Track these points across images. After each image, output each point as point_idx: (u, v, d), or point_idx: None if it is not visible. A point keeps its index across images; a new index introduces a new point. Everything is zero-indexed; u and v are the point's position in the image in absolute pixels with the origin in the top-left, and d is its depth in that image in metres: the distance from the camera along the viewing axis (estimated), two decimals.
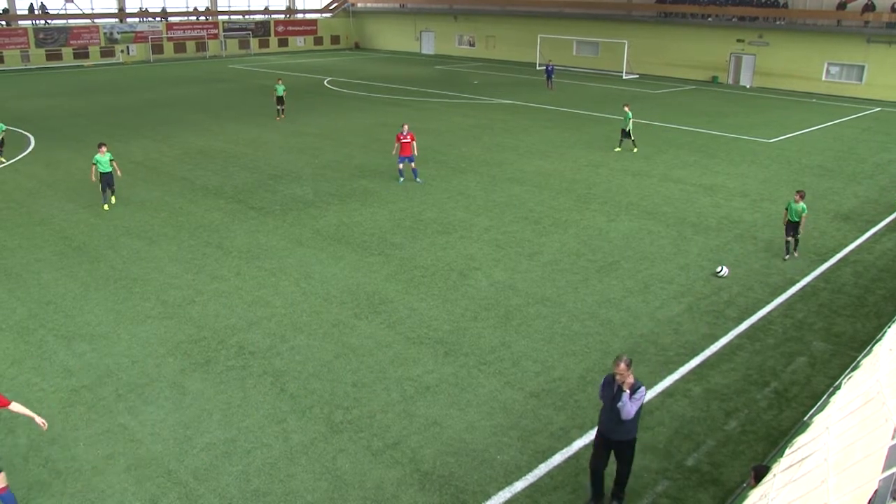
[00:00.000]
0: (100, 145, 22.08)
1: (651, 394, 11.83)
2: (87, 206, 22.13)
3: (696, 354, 13.19)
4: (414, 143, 24.37)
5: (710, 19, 56.60)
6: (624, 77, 56.84)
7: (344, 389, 11.98)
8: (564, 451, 10.44)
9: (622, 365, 8.75)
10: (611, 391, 8.99)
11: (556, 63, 55.01)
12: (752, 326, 14.40)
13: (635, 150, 29.59)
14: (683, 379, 12.38)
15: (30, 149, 30.74)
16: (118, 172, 22.24)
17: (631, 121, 29.41)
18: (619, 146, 29.81)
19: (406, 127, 24.30)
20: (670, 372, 12.55)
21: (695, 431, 10.94)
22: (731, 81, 55.51)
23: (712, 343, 13.64)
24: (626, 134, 29.42)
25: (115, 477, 9.92)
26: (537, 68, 60.53)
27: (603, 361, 12.82)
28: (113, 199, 22.39)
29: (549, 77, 50.40)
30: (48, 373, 12.57)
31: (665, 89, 50.86)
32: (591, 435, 10.69)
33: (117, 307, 15.14)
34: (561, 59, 61.41)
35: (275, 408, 11.48)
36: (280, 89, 37.67)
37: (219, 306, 15.10)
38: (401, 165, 24.65)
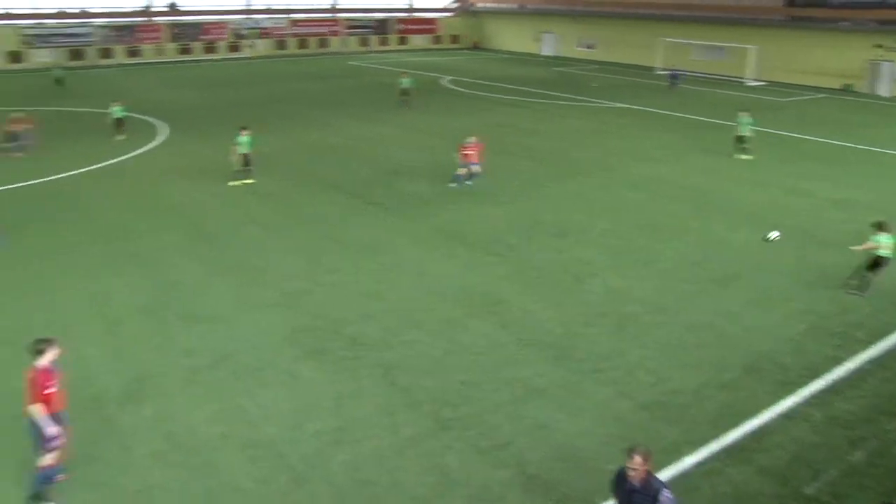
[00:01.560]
0: (242, 129, 24.37)
1: (769, 415, 11.36)
2: (214, 195, 23.10)
3: (819, 377, 12.56)
4: (477, 152, 24.17)
5: (844, 24, 53.88)
6: (749, 83, 54.82)
7: (454, 387, 12.04)
8: (674, 466, 10.14)
9: (637, 458, 7.26)
10: (625, 491, 7.43)
11: (677, 68, 53.66)
12: (883, 352, 13.59)
13: (747, 157, 28.67)
14: (805, 402, 11.81)
15: (161, 138, 32.30)
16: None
17: (749, 128, 28.58)
18: (744, 153, 28.85)
19: (473, 139, 24.25)
20: (790, 393, 12.01)
21: (815, 459, 10.42)
22: (867, 90, 52.72)
23: (837, 366, 12.95)
24: (740, 140, 28.71)
25: (230, 455, 10.29)
26: (657, 72, 59.21)
27: (719, 376, 12.42)
28: (249, 180, 24.08)
29: (673, 82, 49.32)
30: (171, 352, 13.16)
31: (793, 97, 48.78)
32: (704, 451, 10.40)
33: (238, 293, 15.72)
34: (682, 63, 59.77)
35: (385, 400, 11.65)
36: (405, 82, 40.69)
37: (334, 298, 15.45)
38: (462, 171, 24.14)
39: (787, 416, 11.40)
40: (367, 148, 30.23)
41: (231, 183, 24.19)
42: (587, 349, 13.35)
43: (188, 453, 10.32)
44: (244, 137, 24.31)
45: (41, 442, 9.05)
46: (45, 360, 9.19)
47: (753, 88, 52.76)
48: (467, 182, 24.10)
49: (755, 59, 55.84)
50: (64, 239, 19.04)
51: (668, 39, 61.75)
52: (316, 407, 11.45)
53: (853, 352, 13.50)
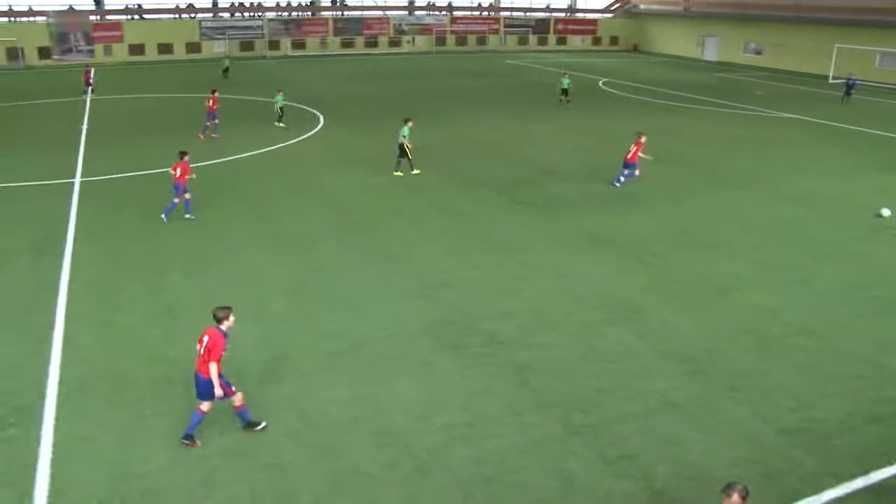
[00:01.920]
0: (406, 120, 25.28)
1: None
2: (365, 184, 23.93)
3: None
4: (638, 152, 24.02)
5: None
6: None
7: (586, 393, 11.92)
8: (812, 498, 9.59)
9: (735, 497, 6.74)
10: None
11: (858, 78, 50.38)
12: None
13: None
14: None
15: (320, 127, 33.68)
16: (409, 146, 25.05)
17: None
18: None
19: (644, 137, 24.05)
20: None
21: None
22: None
23: None
24: None
25: (360, 439, 10.62)
26: (830, 81, 55.86)
27: (871, 409, 11.61)
28: (415, 171, 25.27)
29: (848, 92, 46.37)
30: (312, 333, 13.76)
31: None
32: (846, 487, 9.79)
33: (379, 281, 16.22)
34: (861, 72, 56.07)
35: (515, 400, 11.68)
36: (565, 82, 41.36)
37: (474, 293, 15.63)
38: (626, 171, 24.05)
39: None
40: (520, 146, 30.34)
41: (414, 172, 25.40)
42: (726, 367, 12.85)
43: (319, 433, 10.74)
44: (405, 129, 24.99)
45: (204, 394, 10.24)
46: (225, 325, 10.33)
47: None
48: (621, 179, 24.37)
49: None
50: (223, 218, 20.33)
51: (845, 46, 58.04)
52: (446, 400, 11.63)
53: None
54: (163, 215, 20.01)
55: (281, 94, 34.34)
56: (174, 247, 18.15)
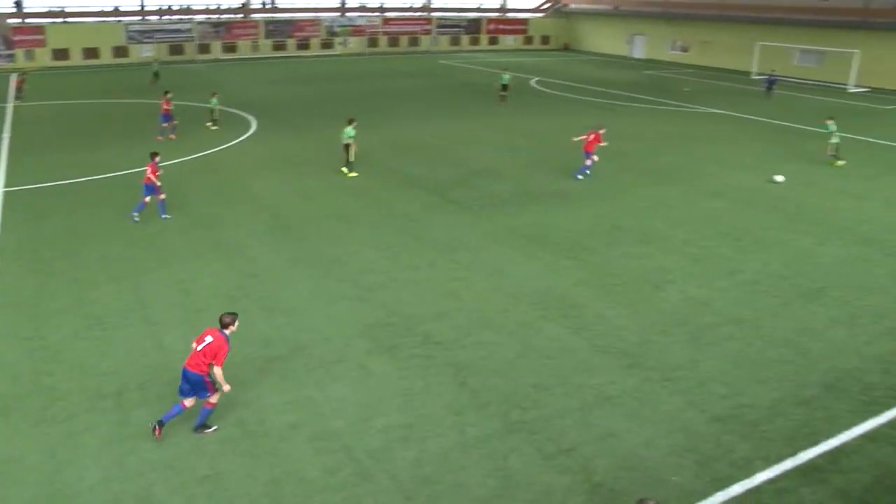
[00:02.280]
0: (349, 120, 25.68)
1: (849, 435, 10.97)
2: (298, 188, 23.72)
3: None
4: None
5: None
6: (850, 90, 52.64)
7: (524, 390, 12.04)
8: (745, 482, 9.91)
9: None
10: None
11: (776, 73, 52.01)
12: None
13: (841, 163, 28.18)
14: (890, 424, 11.33)
15: (251, 131, 33.27)
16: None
17: (835, 134, 28.11)
18: (837, 160, 28.04)
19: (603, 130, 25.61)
20: (874, 414, 11.54)
21: None
22: None
23: None
24: (832, 147, 28.72)
25: (298, 445, 10.55)
26: (753, 77, 57.47)
27: (797, 393, 12.05)
28: (353, 174, 25.49)
29: (770, 87, 48.48)
30: (249, 340, 13.54)
31: None
32: (777, 468, 10.12)
33: (315, 285, 16.11)
34: (780, 68, 57.87)
35: (454, 399, 11.73)
36: (505, 78, 43.10)
37: (410, 294, 15.64)
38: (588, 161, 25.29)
39: (870, 437, 10.98)
40: (453, 147, 30.45)
41: (351, 174, 25.65)
42: (660, 358, 13.15)
43: (257, 441, 10.63)
44: (347, 129, 25.32)
45: (203, 392, 10.68)
46: (229, 331, 10.78)
47: (855, 95, 50.65)
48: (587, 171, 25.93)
49: (858, 64, 53.51)
50: (155, 226, 19.89)
51: (765, 43, 59.83)
52: (385, 402, 11.62)
53: None
54: (133, 213, 20.35)
55: (215, 97, 34.61)
56: (104, 257, 17.68)
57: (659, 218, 21.18)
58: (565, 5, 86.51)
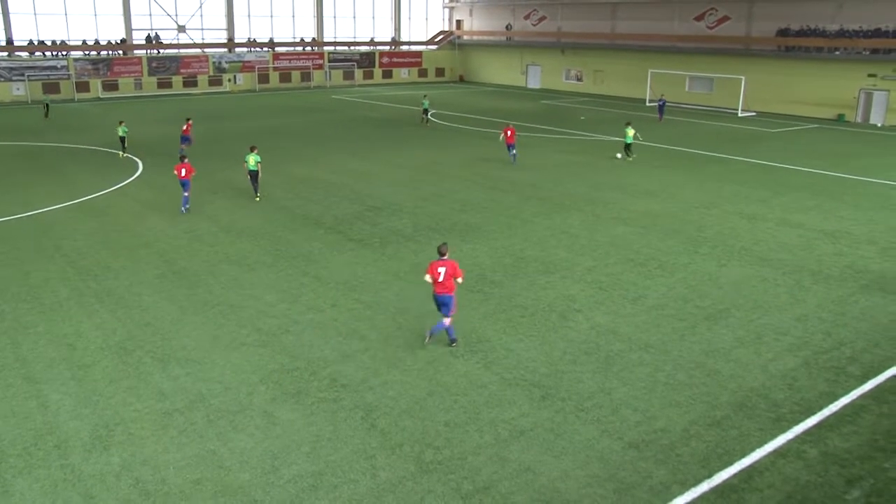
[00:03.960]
0: (251, 148, 26.60)
1: (761, 453, 11.02)
2: (189, 231, 22.76)
3: (813, 413, 12.22)
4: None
5: (837, 53, 54.10)
6: (740, 115, 54.98)
7: (436, 428, 11.66)
8: None
9: None
10: None
11: (667, 99, 53.92)
12: (878, 387, 13.23)
13: (630, 158, 35.07)
14: (798, 439, 11.46)
15: (138, 173, 32.06)
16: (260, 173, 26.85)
17: (632, 137, 34.93)
18: (625, 156, 35.13)
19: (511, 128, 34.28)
20: (783, 430, 11.66)
21: (809, 498, 10.05)
22: (859, 119, 52.87)
23: (832, 402, 12.60)
24: (627, 147, 35.34)
25: (202, 503, 9.86)
26: (648, 104, 59.43)
27: (709, 414, 12.07)
28: (258, 196, 26.89)
29: (660, 111, 51.02)
30: (143, 394, 12.75)
31: (785, 128, 48.96)
32: (694, 492, 10.05)
33: (213, 332, 15.33)
34: (673, 95, 60.07)
35: (364, 443, 11.26)
36: (426, 104, 48.38)
37: (313, 337, 15.07)
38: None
39: (780, 453, 11.07)
40: (350, 182, 30.02)
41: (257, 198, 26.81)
42: (571, 388, 12.99)
43: (157, 502, 9.89)
44: (249, 156, 26.39)
45: (449, 309, 14.17)
46: (448, 254, 14.30)
47: (744, 120, 52.92)
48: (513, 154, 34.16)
49: (747, 90, 56.02)
50: (32, 277, 18.65)
51: (657, 71, 62.02)
52: (293, 451, 11.07)
53: (848, 387, 13.17)
54: (182, 209, 24.93)
55: (123, 124, 36.48)
56: None
57: (562, 247, 21.25)
58: (459, 37, 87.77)
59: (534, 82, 78.68)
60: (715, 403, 12.45)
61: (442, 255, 14.17)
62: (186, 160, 25.20)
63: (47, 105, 52.62)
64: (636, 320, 15.99)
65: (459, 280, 14.24)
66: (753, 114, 55.77)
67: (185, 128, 37.49)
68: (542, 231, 22.76)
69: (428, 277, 14.13)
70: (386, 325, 15.74)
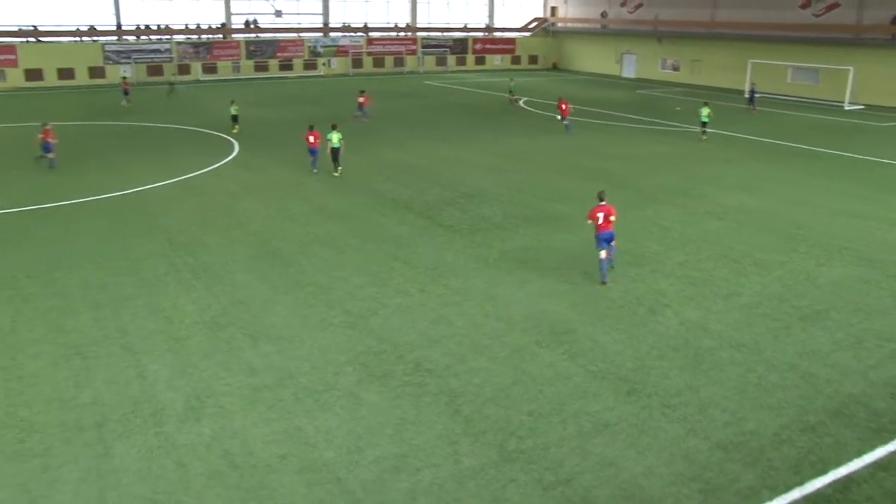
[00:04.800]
0: (333, 126, 28.63)
1: (859, 463, 10.56)
2: (283, 211, 23.31)
3: None
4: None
5: None
6: (846, 108, 52.60)
7: (519, 418, 11.64)
8: None
9: None
10: None
11: (770, 91, 52.03)
12: None
13: (705, 137, 37.41)
14: None
15: (233, 154, 32.96)
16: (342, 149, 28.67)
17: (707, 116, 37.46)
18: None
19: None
20: (884, 441, 11.13)
21: None
22: None
23: None
24: (703, 126, 37.68)
25: (288, 477, 10.13)
26: (745, 96, 57.61)
27: (802, 419, 11.66)
28: (339, 171, 28.50)
29: (752, 101, 49.75)
30: (234, 369, 13.16)
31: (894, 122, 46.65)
32: (784, 498, 9.74)
33: (303, 312, 15.67)
34: (774, 86, 57.95)
35: (448, 429, 11.33)
36: (512, 87, 53.80)
37: (401, 321, 15.24)
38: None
39: (881, 465, 10.57)
40: (441, 168, 30.17)
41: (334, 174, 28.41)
42: (658, 384, 12.76)
43: (245, 474, 10.21)
44: (333, 134, 28.27)
45: (612, 244, 17.38)
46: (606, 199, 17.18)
47: (850, 113, 50.62)
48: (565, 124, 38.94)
49: (853, 81, 53.52)
50: (133, 251, 19.46)
51: (758, 61, 59.91)
52: (377, 432, 11.22)
53: None
54: (314, 169, 28.70)
55: (234, 103, 39.18)
56: (83, 284, 17.19)
57: (653, 240, 20.85)
58: (553, 24, 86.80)
59: (629, 71, 77.18)
60: (809, 408, 12.01)
61: (601, 200, 17.07)
62: (316, 128, 28.96)
63: (172, 84, 56.88)
64: (728, 318, 15.56)
65: (613, 218, 17.03)
66: (861, 107, 53.19)
67: (361, 100, 44.15)
68: (632, 223, 22.35)
69: (590, 221, 17.19)
70: (473, 311, 15.76)
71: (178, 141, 35.84)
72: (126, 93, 50.82)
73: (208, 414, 11.69)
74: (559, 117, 39.67)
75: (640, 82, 71.07)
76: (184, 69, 68.00)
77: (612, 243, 17.45)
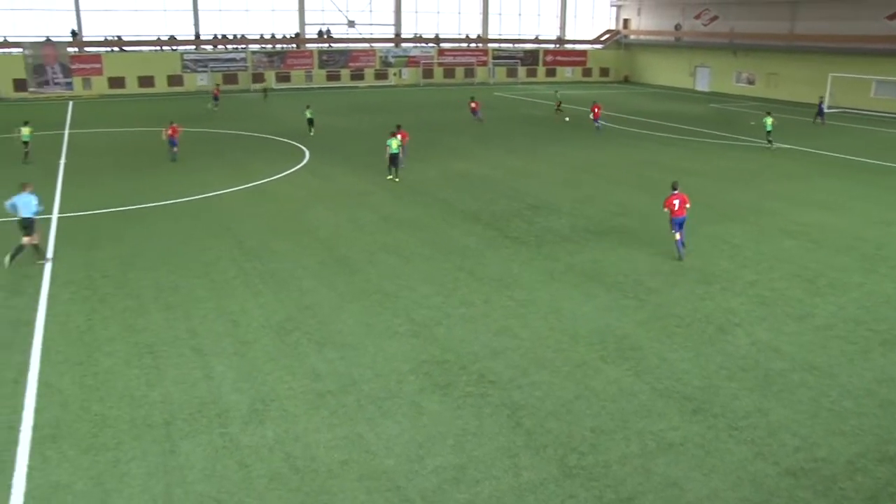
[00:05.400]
0: (392, 133, 29.43)
1: None
2: (351, 219, 23.57)
3: None
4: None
5: None
6: None
7: (581, 433, 11.49)
8: None
9: None
10: None
11: (852, 106, 50.44)
12: None
13: (771, 147, 38.21)
14: None
15: (304, 162, 33.55)
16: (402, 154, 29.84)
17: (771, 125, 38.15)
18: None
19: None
20: None
21: None
22: None
23: None
24: (768, 135, 38.52)
25: (348, 483, 10.19)
26: (826, 110, 55.98)
27: (880, 448, 11.18)
28: (397, 178, 29.19)
29: (820, 113, 48.66)
30: (299, 373, 13.33)
31: None
32: None
33: (368, 320, 15.79)
34: (857, 101, 56.15)
35: (509, 441, 11.25)
36: (559, 96, 53.91)
37: (465, 331, 15.22)
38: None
39: None
40: (509, 180, 30.14)
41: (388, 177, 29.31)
42: (726, 405, 12.43)
43: (306, 478, 10.31)
44: (392, 140, 29.07)
45: (682, 228, 19.89)
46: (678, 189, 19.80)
47: None
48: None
49: None
50: (205, 254, 19.97)
51: (839, 75, 58.12)
52: (437, 442, 11.22)
53: None
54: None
55: (309, 108, 41.64)
56: (155, 285, 17.70)
57: (724, 257, 20.40)
58: (625, 36, 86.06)
59: (702, 84, 75.96)
60: (887, 437, 11.52)
61: (675, 189, 19.93)
62: (401, 128, 30.95)
63: (266, 90, 60.45)
64: (801, 339, 15.10)
65: (688, 206, 19.66)
66: None
67: (473, 105, 47.72)
68: (702, 240, 21.93)
69: (666, 209, 19.81)
70: (538, 324, 15.66)
71: (251, 148, 36.68)
72: (216, 98, 55.04)
73: (272, 417, 11.85)
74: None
75: (713, 96, 69.83)
76: (258, 77, 69.61)
77: (683, 228, 19.81)
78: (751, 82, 70.87)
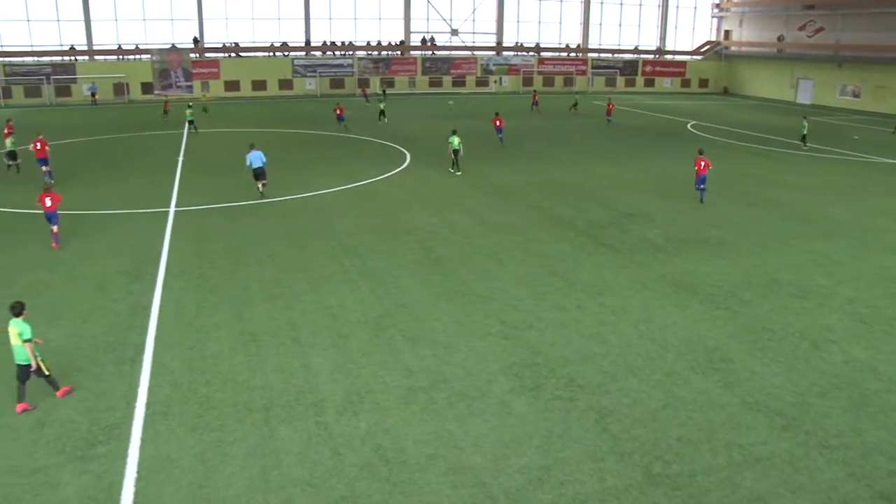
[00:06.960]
0: (454, 131, 31.87)
1: None
2: (447, 222, 24.04)
3: None
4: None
5: None
6: None
7: (667, 442, 11.56)
8: None
9: None
10: None
11: None
12: None
13: (805, 147, 38.92)
14: None
15: (405, 164, 34.30)
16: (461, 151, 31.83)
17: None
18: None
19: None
20: None
21: None
22: None
23: None
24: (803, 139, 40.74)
25: (434, 477, 10.53)
26: None
27: None
28: (459, 171, 31.58)
29: None
30: (392, 368, 13.81)
31: None
32: None
33: (461, 320, 16.17)
34: None
35: (595, 446, 11.42)
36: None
37: (556, 335, 15.44)
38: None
39: None
40: (604, 188, 30.11)
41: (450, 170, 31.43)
42: (817, 422, 12.27)
43: (394, 469, 10.71)
44: (453, 138, 31.66)
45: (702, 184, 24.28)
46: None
47: None
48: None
49: None
50: (307, 251, 20.84)
51: None
52: (524, 442, 11.46)
53: None
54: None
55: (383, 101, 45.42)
56: (260, 277, 18.61)
57: (821, 273, 19.97)
58: (726, 47, 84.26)
59: (804, 97, 73.67)
60: None
61: (701, 153, 25.74)
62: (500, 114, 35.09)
63: (384, 92, 64.03)
64: None
65: (710, 168, 24.41)
66: None
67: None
68: (799, 254, 21.51)
69: (696, 168, 26.09)
70: (628, 332, 15.75)
71: (355, 150, 37.70)
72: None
73: (365, 409, 12.34)
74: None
75: (815, 108, 67.64)
76: (363, 83, 71.48)
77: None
78: (856, 95, 68.36)
